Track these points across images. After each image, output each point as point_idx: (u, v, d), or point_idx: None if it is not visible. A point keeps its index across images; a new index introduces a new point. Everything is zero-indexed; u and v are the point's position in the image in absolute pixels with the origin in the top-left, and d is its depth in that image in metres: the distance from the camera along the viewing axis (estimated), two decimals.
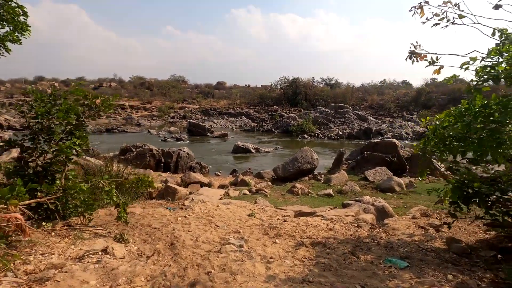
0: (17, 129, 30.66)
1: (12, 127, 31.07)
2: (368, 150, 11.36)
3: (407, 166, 10.69)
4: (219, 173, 13.87)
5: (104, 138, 26.25)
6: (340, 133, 31.49)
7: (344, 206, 5.30)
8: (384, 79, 65.31)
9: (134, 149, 13.07)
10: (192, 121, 32.79)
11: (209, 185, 8.96)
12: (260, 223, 3.57)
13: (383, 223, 3.59)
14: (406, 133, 31.62)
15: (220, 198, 6.83)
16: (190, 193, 7.35)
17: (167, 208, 5.87)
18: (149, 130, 31.85)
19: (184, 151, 13.50)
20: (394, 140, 10.68)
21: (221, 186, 8.99)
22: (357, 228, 3.40)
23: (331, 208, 4.73)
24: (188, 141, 25.18)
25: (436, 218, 3.77)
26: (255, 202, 5.85)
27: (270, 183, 9.86)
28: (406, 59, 2.93)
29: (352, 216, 3.83)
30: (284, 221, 3.60)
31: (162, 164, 12.97)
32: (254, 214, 4.01)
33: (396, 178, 8.77)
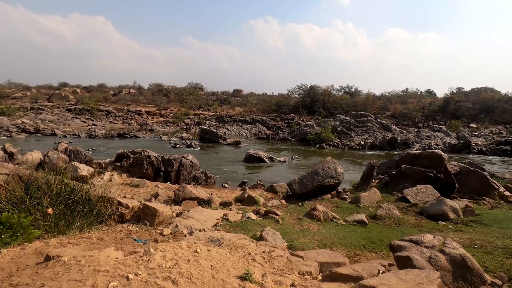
0: (31, 132, 30.67)
1: (26, 130, 31.07)
2: (405, 163, 9.31)
3: (456, 185, 8.57)
4: (226, 185, 12.21)
5: (113, 143, 25.43)
6: (362, 143, 29.16)
7: (394, 250, 3.45)
8: (407, 88, 62.04)
9: (131, 155, 11.65)
10: (203, 127, 31.51)
11: (208, 201, 7.28)
12: None
13: None
14: (436, 144, 28.76)
15: (216, 224, 5.13)
16: (179, 214, 5.69)
17: (135, 240, 4.20)
18: (161, 136, 30.87)
19: (187, 159, 11.96)
20: (440, 151, 8.62)
21: (223, 204, 7.29)
22: None
23: (385, 268, 2.84)
24: (198, 148, 23.81)
25: None
26: (260, 236, 4.10)
27: (283, 201, 8.05)
28: None
29: None
30: None
31: (161, 173, 11.45)
32: (250, 276, 2.28)
33: (448, 201, 6.73)
